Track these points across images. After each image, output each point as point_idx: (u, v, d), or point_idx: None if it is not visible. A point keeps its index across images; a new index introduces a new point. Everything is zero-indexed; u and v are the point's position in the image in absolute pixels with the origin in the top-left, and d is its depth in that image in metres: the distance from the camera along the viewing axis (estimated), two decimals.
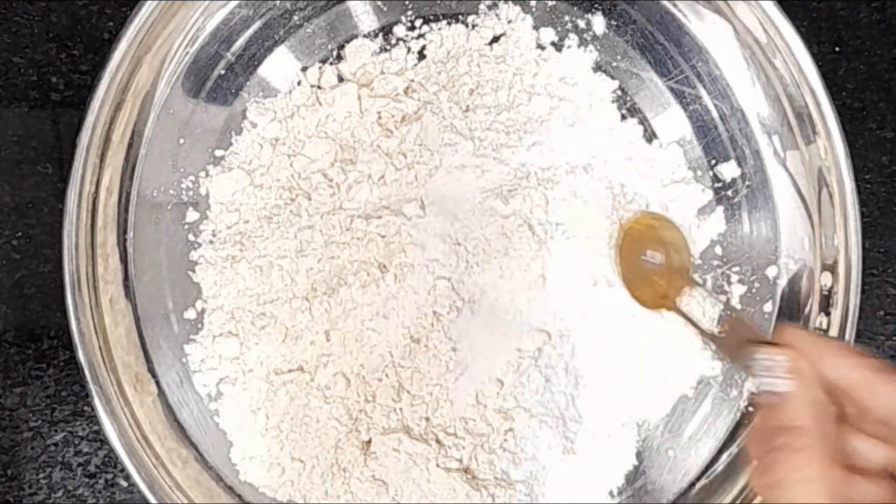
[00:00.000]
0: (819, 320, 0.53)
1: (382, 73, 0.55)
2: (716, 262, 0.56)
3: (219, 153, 0.55)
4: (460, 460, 0.53)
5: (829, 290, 0.52)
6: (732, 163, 0.56)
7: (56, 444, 0.56)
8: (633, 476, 0.55)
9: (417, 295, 0.53)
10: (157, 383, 0.53)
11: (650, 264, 0.52)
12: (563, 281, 0.54)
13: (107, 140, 0.51)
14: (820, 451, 0.33)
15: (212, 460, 0.54)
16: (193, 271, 0.54)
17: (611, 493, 0.55)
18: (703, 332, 0.43)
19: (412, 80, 0.55)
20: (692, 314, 0.47)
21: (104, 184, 0.51)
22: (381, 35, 0.56)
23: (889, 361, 0.59)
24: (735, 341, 0.41)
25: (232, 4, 0.54)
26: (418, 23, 0.56)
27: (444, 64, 0.55)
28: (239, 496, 0.53)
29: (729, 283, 0.56)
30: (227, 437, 0.54)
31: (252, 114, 0.55)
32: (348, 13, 0.56)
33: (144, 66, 0.52)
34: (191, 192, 0.55)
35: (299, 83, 0.55)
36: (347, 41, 0.56)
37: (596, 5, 0.56)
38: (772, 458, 0.33)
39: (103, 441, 0.56)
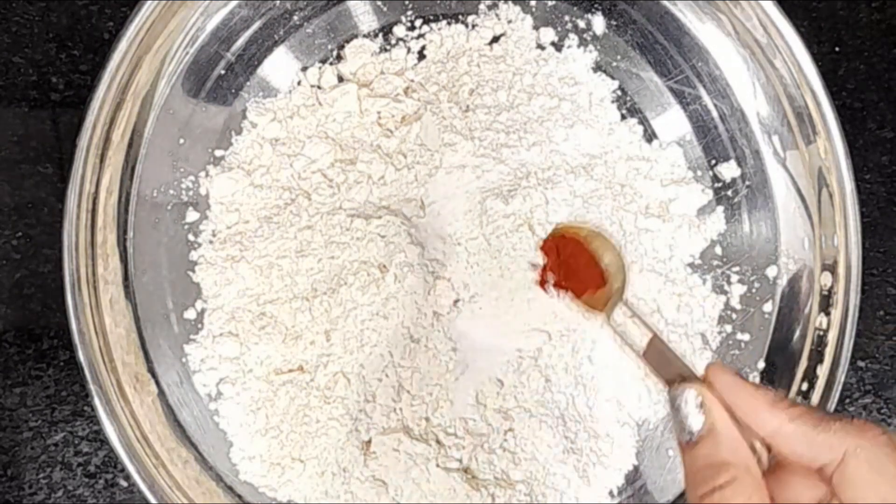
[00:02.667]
0: (819, 320, 0.53)
1: (382, 73, 0.55)
2: (716, 262, 0.56)
3: (219, 153, 0.55)
4: (460, 460, 0.53)
5: (829, 290, 0.52)
6: (732, 163, 0.56)
7: (56, 444, 0.56)
8: (633, 476, 0.55)
9: (417, 295, 0.53)
10: (157, 383, 0.53)
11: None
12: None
13: (107, 140, 0.51)
14: (745, 484, 0.33)
15: (212, 460, 0.54)
16: (193, 271, 0.54)
17: (611, 493, 0.55)
18: (633, 350, 0.43)
19: (412, 80, 0.55)
20: (624, 332, 0.47)
21: (104, 184, 0.51)
22: (381, 35, 0.56)
23: (886, 361, 0.59)
24: (656, 363, 0.40)
25: (232, 4, 0.54)
26: (418, 23, 0.56)
27: (444, 64, 0.55)
28: (239, 496, 0.53)
29: (729, 283, 0.56)
30: (227, 437, 0.54)
31: (252, 114, 0.55)
32: (348, 13, 0.56)
33: (144, 66, 0.52)
34: (191, 192, 0.55)
35: (299, 83, 0.55)
36: (347, 41, 0.56)
37: (596, 5, 0.56)
38: (709, 497, 0.33)
39: (103, 441, 0.56)
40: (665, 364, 0.39)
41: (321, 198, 0.54)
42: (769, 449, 0.35)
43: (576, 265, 0.52)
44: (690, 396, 0.35)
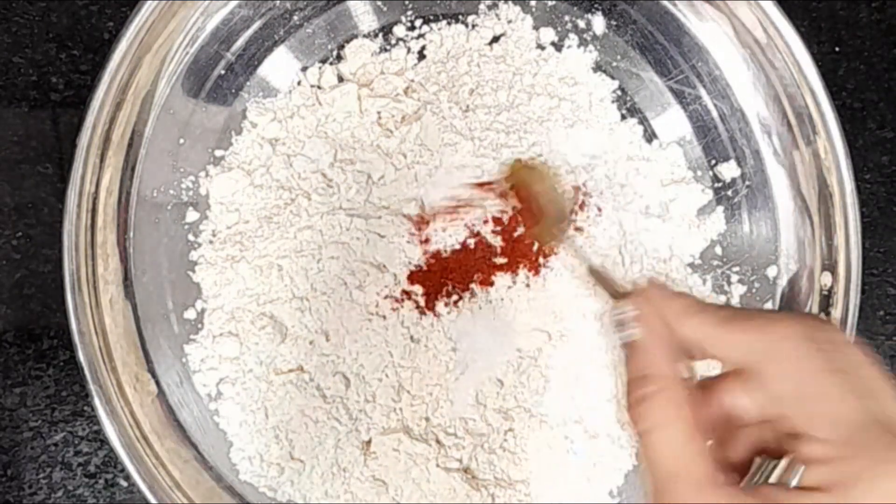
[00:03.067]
0: None
1: (382, 73, 0.55)
2: (716, 262, 0.56)
3: (219, 153, 0.55)
4: (460, 460, 0.53)
5: (829, 290, 0.52)
6: (732, 163, 0.56)
7: (56, 444, 0.56)
8: (633, 476, 0.55)
9: (417, 295, 0.53)
10: (157, 383, 0.53)
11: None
12: (563, 281, 0.54)
13: (107, 140, 0.51)
14: (670, 393, 0.34)
15: (212, 460, 0.54)
16: (193, 271, 0.54)
17: (611, 494, 0.55)
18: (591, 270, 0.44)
19: (412, 80, 0.55)
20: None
21: (104, 184, 0.51)
22: (381, 35, 0.56)
23: (886, 361, 0.59)
24: (602, 283, 0.42)
25: (232, 4, 0.54)
26: (418, 23, 0.56)
27: (444, 64, 0.55)
28: (239, 496, 0.53)
29: (729, 283, 0.56)
30: (227, 437, 0.54)
31: (252, 114, 0.55)
32: (348, 13, 0.56)
33: (144, 65, 0.52)
34: (191, 192, 0.55)
35: (299, 83, 0.55)
36: (347, 41, 0.56)
37: (596, 5, 0.56)
38: (636, 409, 0.35)
39: (103, 441, 0.56)
40: (608, 284, 0.41)
41: (321, 198, 0.54)
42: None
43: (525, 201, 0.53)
44: (624, 309, 0.37)
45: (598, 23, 0.56)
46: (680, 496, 0.33)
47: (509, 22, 0.56)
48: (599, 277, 0.43)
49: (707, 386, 0.37)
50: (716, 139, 0.56)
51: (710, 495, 0.32)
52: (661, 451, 0.34)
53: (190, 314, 0.54)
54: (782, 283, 0.55)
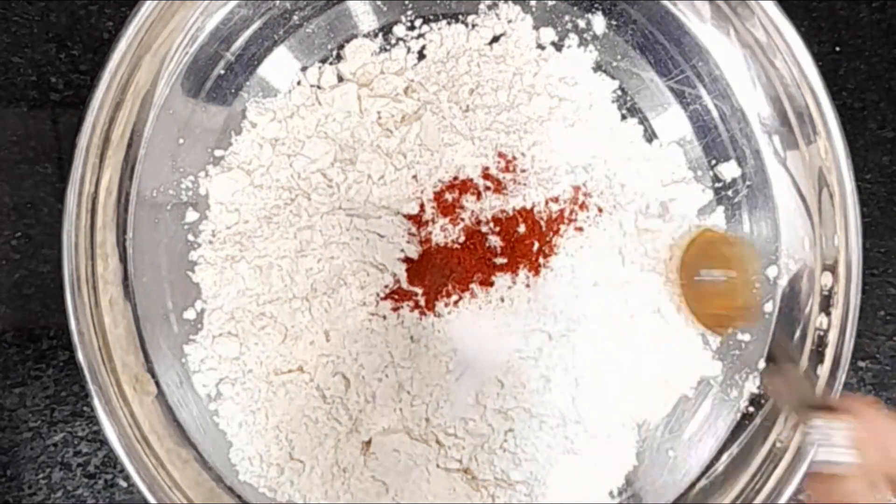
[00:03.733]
0: (819, 320, 0.52)
1: (382, 73, 0.55)
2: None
3: (218, 153, 0.55)
4: (460, 461, 0.53)
5: (830, 290, 0.52)
6: (732, 163, 0.56)
7: (56, 445, 0.56)
8: (633, 476, 0.55)
9: (417, 295, 0.53)
10: (157, 383, 0.53)
11: (709, 281, 0.50)
12: (563, 281, 0.54)
13: (106, 140, 0.51)
14: None
15: (211, 460, 0.54)
16: (193, 271, 0.54)
17: (611, 494, 0.55)
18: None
19: (412, 80, 0.55)
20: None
21: (104, 184, 0.51)
22: (381, 35, 0.56)
23: (886, 361, 0.59)
24: (788, 389, 0.39)
25: (231, 4, 0.54)
26: (418, 23, 0.56)
27: (444, 64, 0.55)
28: (239, 496, 0.53)
29: None
30: (227, 437, 0.54)
31: (252, 114, 0.55)
32: (348, 13, 0.56)
33: (144, 65, 0.52)
34: (190, 192, 0.55)
35: (299, 83, 0.55)
36: (347, 41, 0.56)
37: (596, 5, 0.56)
38: None
39: (103, 441, 0.56)
40: (796, 390, 0.39)
41: (321, 198, 0.54)
42: None
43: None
44: (837, 430, 0.34)
45: (598, 23, 0.56)
46: None
47: (509, 22, 0.56)
48: (786, 380, 0.39)
49: None
50: (716, 139, 0.56)
51: None
52: None
53: (190, 314, 0.54)
54: (782, 283, 0.55)
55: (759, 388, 0.55)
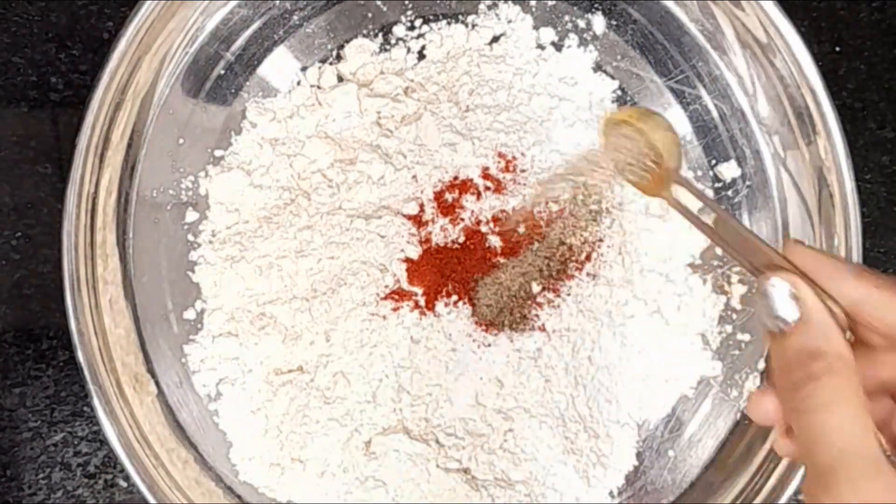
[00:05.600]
0: None
1: (382, 73, 0.55)
2: (716, 262, 0.56)
3: (218, 153, 0.55)
4: (460, 461, 0.53)
5: None
6: (732, 163, 0.56)
7: (55, 445, 0.56)
8: (633, 476, 0.55)
9: (417, 295, 0.53)
10: (157, 383, 0.53)
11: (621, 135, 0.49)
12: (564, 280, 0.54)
13: (106, 140, 0.51)
14: (848, 372, 0.33)
15: (211, 461, 0.54)
16: (193, 271, 0.54)
17: (611, 494, 0.55)
18: (699, 223, 0.41)
19: (412, 80, 0.55)
20: (684, 206, 0.45)
21: (104, 184, 0.51)
22: (381, 35, 0.56)
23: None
24: (728, 236, 0.39)
25: (232, 4, 0.54)
26: (418, 23, 0.56)
27: (444, 64, 0.55)
28: (239, 497, 0.53)
29: (729, 284, 0.56)
30: (227, 437, 0.54)
31: (252, 114, 0.55)
32: (348, 13, 0.56)
33: (144, 66, 0.52)
34: (190, 192, 0.55)
35: (299, 83, 0.55)
36: (347, 41, 0.56)
37: (596, 5, 0.56)
38: (803, 386, 0.33)
39: (103, 441, 0.56)
40: (745, 247, 0.38)
41: (321, 198, 0.54)
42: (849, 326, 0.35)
43: None
44: (781, 285, 0.34)
45: (598, 23, 0.56)
46: (855, 476, 0.31)
47: (509, 22, 0.56)
48: (734, 238, 0.39)
49: (862, 356, 0.35)
50: (716, 139, 0.56)
51: (889, 473, 0.31)
52: (832, 430, 0.31)
53: (189, 314, 0.54)
54: None
55: (758, 388, 0.55)
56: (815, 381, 0.32)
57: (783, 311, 0.34)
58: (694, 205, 0.43)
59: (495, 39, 0.56)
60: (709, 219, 0.41)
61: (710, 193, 0.56)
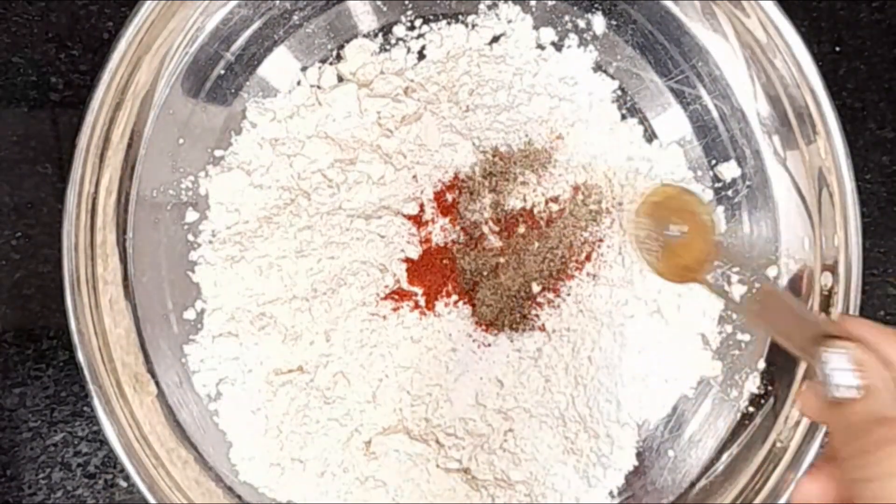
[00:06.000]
0: None
1: (382, 73, 0.55)
2: (716, 262, 0.56)
3: (218, 153, 0.55)
4: (460, 461, 0.53)
5: (830, 290, 0.52)
6: (732, 163, 0.56)
7: (55, 445, 0.56)
8: (633, 476, 0.55)
9: (417, 295, 0.53)
10: (157, 383, 0.53)
11: (673, 236, 0.50)
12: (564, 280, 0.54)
13: (106, 140, 0.51)
14: None
15: (211, 461, 0.54)
16: (193, 271, 0.54)
17: (611, 494, 0.55)
18: (733, 303, 0.41)
19: (412, 80, 0.55)
20: (719, 287, 0.45)
21: (104, 184, 0.51)
22: (380, 35, 0.56)
23: None
24: (771, 316, 0.39)
25: (231, 4, 0.54)
26: (418, 23, 0.56)
27: (444, 64, 0.55)
28: (239, 497, 0.53)
29: (729, 284, 0.56)
30: (227, 437, 0.54)
31: (252, 114, 0.55)
32: (348, 13, 0.56)
33: (144, 66, 0.52)
34: (190, 193, 0.55)
35: (299, 83, 0.55)
36: (347, 41, 0.56)
37: (596, 5, 0.56)
38: (871, 452, 0.33)
39: (103, 441, 0.56)
40: (792, 322, 0.38)
41: (321, 198, 0.54)
42: None
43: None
44: (842, 354, 0.35)
45: (598, 23, 0.56)
46: None
47: (509, 22, 0.56)
48: (779, 313, 0.39)
49: None
50: (716, 139, 0.56)
51: None
52: None
53: (189, 314, 0.54)
54: (782, 283, 0.55)
55: (759, 387, 0.55)
56: (883, 447, 0.33)
57: (847, 380, 0.35)
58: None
59: (495, 39, 0.56)
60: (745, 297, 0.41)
61: (710, 193, 0.56)
